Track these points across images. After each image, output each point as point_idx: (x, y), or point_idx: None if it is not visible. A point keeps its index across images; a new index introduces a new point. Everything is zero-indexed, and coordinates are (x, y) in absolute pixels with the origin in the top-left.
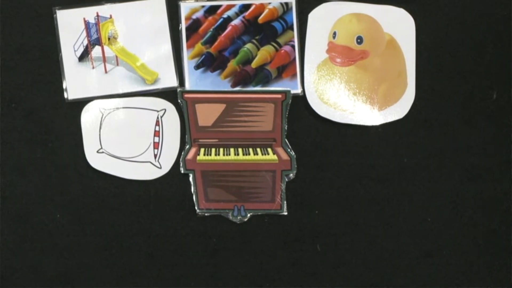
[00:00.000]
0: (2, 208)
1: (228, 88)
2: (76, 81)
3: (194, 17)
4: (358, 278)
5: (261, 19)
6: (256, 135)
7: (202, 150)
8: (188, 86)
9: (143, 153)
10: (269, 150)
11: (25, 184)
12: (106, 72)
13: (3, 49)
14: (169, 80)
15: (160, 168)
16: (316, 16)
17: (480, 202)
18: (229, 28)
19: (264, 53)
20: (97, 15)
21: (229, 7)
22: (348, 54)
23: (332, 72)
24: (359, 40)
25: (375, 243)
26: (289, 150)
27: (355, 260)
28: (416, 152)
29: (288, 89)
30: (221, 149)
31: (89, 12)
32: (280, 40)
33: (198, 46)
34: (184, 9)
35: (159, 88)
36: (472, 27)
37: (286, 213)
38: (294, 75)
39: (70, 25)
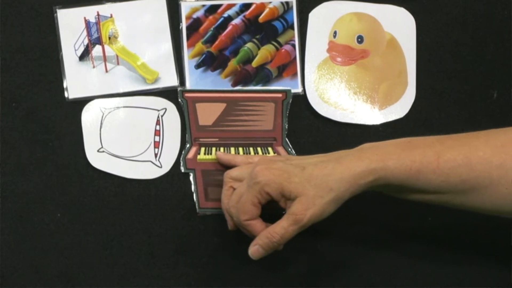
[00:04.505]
0: (2, 208)
1: (228, 87)
2: (77, 80)
3: (194, 16)
4: (358, 278)
5: (261, 18)
6: (256, 134)
7: (203, 149)
8: (188, 85)
9: (144, 152)
10: (270, 149)
11: (25, 183)
12: (106, 71)
13: (3, 48)
14: (170, 79)
15: (161, 167)
16: (316, 15)
17: None
18: (229, 28)
19: (264, 52)
20: (98, 14)
21: (229, 6)
22: (349, 53)
23: (332, 71)
24: (360, 39)
25: (375, 243)
26: (289, 149)
27: (355, 260)
28: None
29: (289, 88)
30: (222, 148)
31: (89, 11)
32: (281, 39)
33: (199, 45)
34: (185, 8)
35: (159, 87)
36: (473, 27)
37: (284, 212)
38: (295, 74)
39: (70, 24)
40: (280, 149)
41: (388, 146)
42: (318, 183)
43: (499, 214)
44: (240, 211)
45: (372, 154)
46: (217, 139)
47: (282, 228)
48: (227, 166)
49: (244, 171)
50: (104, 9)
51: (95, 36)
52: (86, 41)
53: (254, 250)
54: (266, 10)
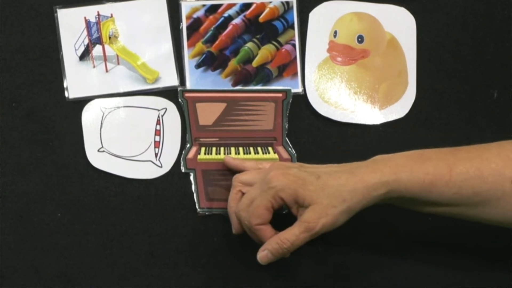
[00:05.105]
0: (2, 208)
1: (228, 87)
2: (77, 80)
3: (195, 16)
4: (358, 278)
5: (262, 18)
6: (256, 134)
7: (203, 149)
8: (188, 85)
9: (144, 152)
10: (270, 149)
11: (25, 183)
12: (107, 71)
13: (3, 48)
14: (170, 79)
15: (161, 167)
16: (317, 15)
17: None
18: (230, 27)
19: (265, 52)
20: (98, 14)
21: (230, 6)
22: (349, 53)
23: (333, 71)
24: (360, 39)
25: (375, 243)
26: (290, 149)
27: (355, 260)
28: None
29: (289, 88)
30: (222, 148)
31: (89, 11)
32: (281, 39)
33: (199, 45)
34: (185, 8)
35: (160, 87)
36: (473, 27)
37: (286, 211)
38: (295, 74)
39: (70, 24)
40: (280, 148)
41: (400, 158)
42: (332, 192)
43: None
44: (252, 215)
45: (384, 166)
46: (217, 139)
47: (293, 235)
48: (234, 170)
49: (255, 175)
50: (104, 9)
51: (95, 36)
52: (86, 41)
53: (263, 255)
54: (267, 10)
